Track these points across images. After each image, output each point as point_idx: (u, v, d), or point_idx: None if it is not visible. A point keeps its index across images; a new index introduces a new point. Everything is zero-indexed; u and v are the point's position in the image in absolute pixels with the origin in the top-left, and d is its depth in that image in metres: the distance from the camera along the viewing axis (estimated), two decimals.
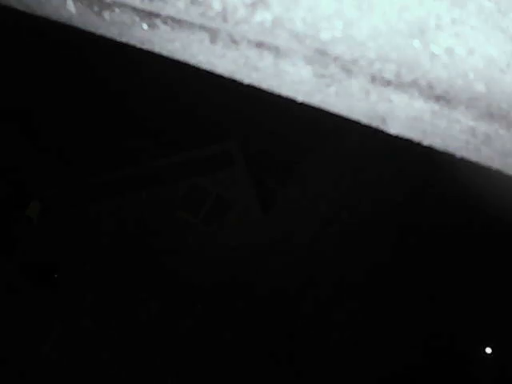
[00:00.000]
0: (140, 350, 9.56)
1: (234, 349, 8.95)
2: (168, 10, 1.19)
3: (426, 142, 1.28)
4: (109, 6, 1.27)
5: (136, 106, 9.70)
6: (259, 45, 1.19)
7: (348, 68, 1.18)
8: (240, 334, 8.94)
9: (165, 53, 1.34)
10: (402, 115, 1.19)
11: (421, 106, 1.19)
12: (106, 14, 1.29)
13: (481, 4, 1.06)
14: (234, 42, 1.22)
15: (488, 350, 10.09)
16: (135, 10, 1.23)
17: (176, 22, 1.21)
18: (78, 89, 10.06)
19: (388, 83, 1.18)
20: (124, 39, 1.35)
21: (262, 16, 1.13)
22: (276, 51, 1.19)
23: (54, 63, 10.05)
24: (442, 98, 1.17)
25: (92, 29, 1.37)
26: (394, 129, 1.24)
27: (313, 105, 1.28)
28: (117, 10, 1.27)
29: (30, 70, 10.04)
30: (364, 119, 1.27)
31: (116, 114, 9.62)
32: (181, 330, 8.91)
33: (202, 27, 1.20)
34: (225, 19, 1.18)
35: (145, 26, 1.24)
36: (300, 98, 1.31)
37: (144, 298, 9.06)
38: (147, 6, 1.21)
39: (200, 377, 9.47)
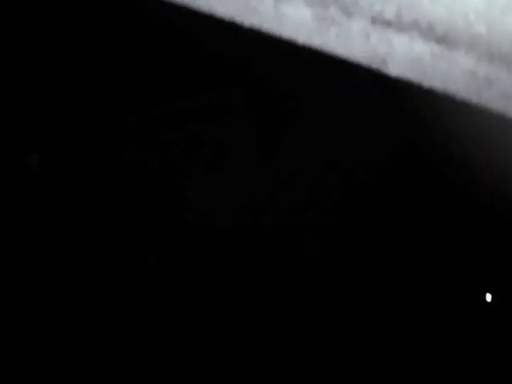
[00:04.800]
0: (138, 300, 9.53)
1: (232, 297, 8.99)
2: None
3: (426, 84, 1.28)
4: None
5: (134, 54, 9.65)
6: None
7: (348, 10, 1.19)
8: (239, 283, 8.98)
9: None
10: (402, 57, 1.20)
11: (421, 47, 1.19)
12: None
13: None
14: None
15: (488, 298, 10.11)
16: None
17: None
18: (73, 33, 9.97)
19: (388, 24, 1.18)
20: None
21: None
22: None
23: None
24: (443, 40, 1.17)
25: None
26: (394, 70, 1.25)
27: (313, 47, 1.28)
28: None
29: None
30: (364, 61, 1.27)
31: (111, 63, 9.56)
32: (177, 276, 8.91)
33: None
34: None
35: None
36: (300, 41, 1.31)
37: (143, 245, 9.08)
38: None
39: (195, 325, 9.50)
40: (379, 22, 1.18)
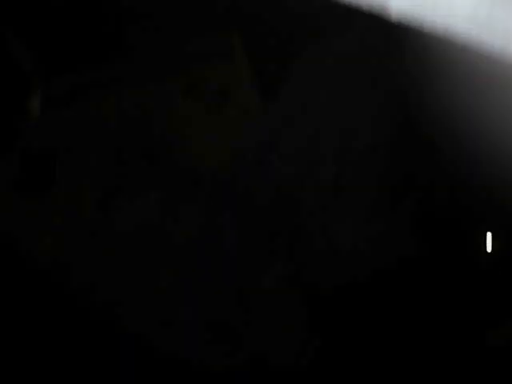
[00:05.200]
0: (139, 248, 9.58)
1: (232, 239, 9.03)
2: None
3: (426, 27, 1.28)
4: None
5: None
6: None
7: None
8: (237, 227, 9.02)
9: None
10: (402, 1, 1.19)
11: None
12: None
13: None
14: None
15: (488, 237, 10.03)
16: None
17: None
18: None
19: None
20: None
21: None
22: None
23: None
24: None
25: None
26: (394, 14, 1.24)
27: None
28: None
29: None
30: (365, 6, 1.27)
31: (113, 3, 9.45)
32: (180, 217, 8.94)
33: None
34: None
35: None
36: None
37: (144, 185, 9.09)
38: None
39: (197, 268, 9.57)
40: None
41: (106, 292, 6.88)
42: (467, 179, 8.16)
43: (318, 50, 8.24)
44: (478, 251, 8.62)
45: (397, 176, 8.12)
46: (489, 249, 8.54)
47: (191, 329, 6.32)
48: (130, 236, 7.50)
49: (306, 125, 8.05)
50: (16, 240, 7.36)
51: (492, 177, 8.12)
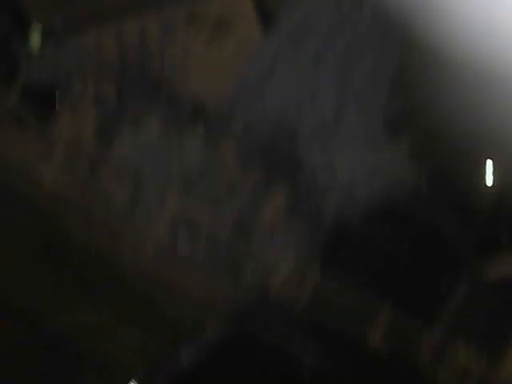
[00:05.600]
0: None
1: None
2: None
3: None
4: None
5: None
6: None
7: None
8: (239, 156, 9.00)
9: None
10: None
11: None
12: None
13: None
14: None
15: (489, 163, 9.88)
16: None
17: None
18: None
19: None
20: None
21: None
22: None
23: None
24: None
25: None
26: None
27: None
28: None
29: None
30: None
31: None
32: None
33: None
34: None
35: None
36: None
37: (144, 116, 9.05)
38: None
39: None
40: None
41: (103, 225, 6.93)
42: (465, 110, 8.08)
43: None
44: (478, 183, 8.63)
45: (397, 107, 8.08)
46: (489, 180, 8.56)
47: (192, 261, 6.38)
48: (130, 162, 7.50)
49: (305, 56, 7.95)
50: (16, 175, 7.37)
51: (489, 107, 8.04)
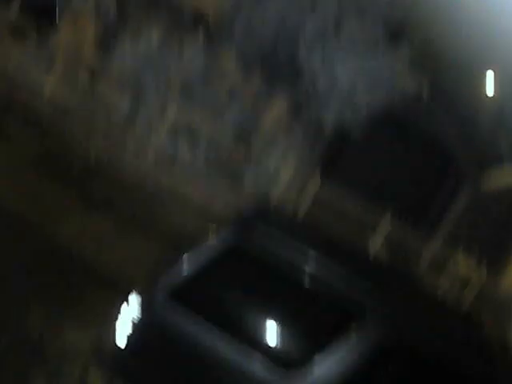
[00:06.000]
0: None
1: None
2: None
3: None
4: None
5: None
6: None
7: None
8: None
9: None
10: None
11: None
12: None
13: None
14: None
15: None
16: None
17: None
18: None
19: None
20: None
21: None
22: None
23: None
24: None
25: None
26: None
27: None
28: None
29: None
30: None
31: None
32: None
33: None
34: None
35: None
36: None
37: (145, 26, 8.83)
38: None
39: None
40: None
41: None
42: (467, 20, 7.87)
43: None
44: (479, 93, 8.45)
45: (398, 17, 7.83)
46: (489, 91, 8.39)
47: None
48: (131, 72, 7.35)
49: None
50: (17, 86, 7.22)
51: (490, 17, 7.81)
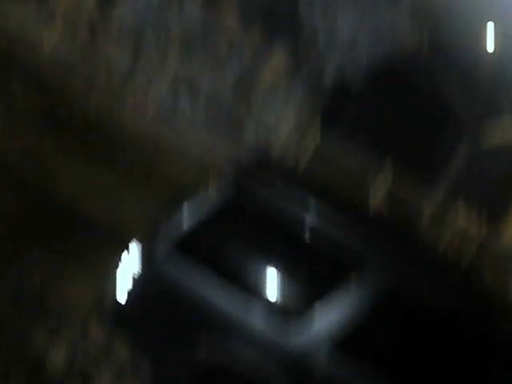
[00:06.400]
0: None
1: None
2: None
3: None
4: None
5: None
6: None
7: None
8: None
9: None
10: None
11: None
12: None
13: None
14: None
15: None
16: None
17: None
18: None
19: None
20: None
21: None
22: None
23: None
24: None
25: None
26: None
27: None
28: None
29: None
30: None
31: None
32: None
33: None
34: None
35: None
36: None
37: None
38: None
39: None
40: None
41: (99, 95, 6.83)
42: None
43: None
44: (479, 46, 8.41)
45: None
46: (490, 44, 8.35)
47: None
48: (131, 26, 7.31)
49: None
50: (17, 44, 7.19)
51: None
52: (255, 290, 2.56)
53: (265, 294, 2.57)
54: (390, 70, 7.50)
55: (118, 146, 6.37)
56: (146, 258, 2.65)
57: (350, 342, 2.51)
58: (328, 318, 2.49)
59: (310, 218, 2.65)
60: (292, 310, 2.53)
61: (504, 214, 8.38)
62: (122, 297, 2.59)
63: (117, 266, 2.63)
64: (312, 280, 2.58)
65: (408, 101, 7.95)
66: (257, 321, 2.51)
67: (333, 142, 7.42)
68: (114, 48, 8.26)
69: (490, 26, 7.91)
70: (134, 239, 3.36)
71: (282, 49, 8.09)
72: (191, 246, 2.69)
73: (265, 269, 2.63)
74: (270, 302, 2.52)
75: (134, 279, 2.61)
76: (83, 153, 5.69)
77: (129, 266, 2.64)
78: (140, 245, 2.69)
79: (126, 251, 2.66)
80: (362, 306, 2.49)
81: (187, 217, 2.70)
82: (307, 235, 2.62)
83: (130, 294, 2.60)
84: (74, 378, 2.64)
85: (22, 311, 1.81)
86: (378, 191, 7.11)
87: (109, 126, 6.87)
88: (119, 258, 2.67)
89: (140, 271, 2.63)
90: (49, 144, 5.46)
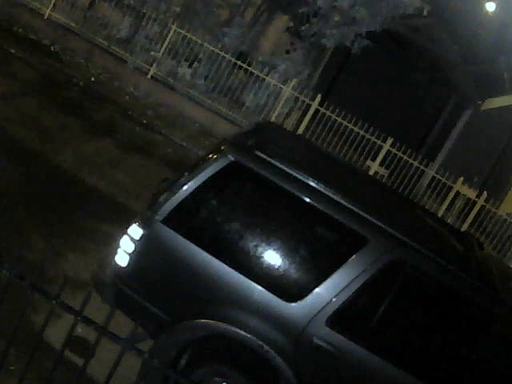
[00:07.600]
0: None
1: None
2: None
3: None
4: None
5: None
6: None
7: None
8: None
9: None
10: None
11: None
12: None
13: None
14: None
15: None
16: None
17: None
18: None
19: None
20: None
21: None
22: None
23: None
24: None
25: None
26: None
27: None
28: None
29: None
30: None
31: None
32: None
33: None
34: None
35: None
36: None
37: None
38: None
39: None
40: None
41: None
42: None
43: None
44: (479, 9, 8.20)
45: None
46: (491, 7, 8.17)
47: None
48: None
49: None
50: (16, 8, 7.05)
51: None
52: (255, 268, 2.53)
53: (265, 271, 2.53)
54: (389, 35, 7.35)
55: (118, 115, 6.32)
56: (146, 229, 2.62)
57: (349, 319, 2.50)
58: (329, 295, 2.47)
59: (310, 183, 2.60)
60: (292, 288, 2.50)
61: (504, 184, 8.29)
62: (121, 269, 2.57)
63: (117, 238, 2.62)
64: (314, 254, 2.56)
65: (407, 66, 7.80)
66: (256, 299, 2.49)
67: (332, 109, 7.39)
68: (114, 13, 8.19)
69: None
70: (135, 210, 3.33)
71: (282, 15, 8.05)
72: (191, 217, 2.67)
73: (265, 245, 2.59)
74: (269, 280, 2.50)
75: (134, 251, 2.59)
76: (83, 122, 5.65)
77: (129, 237, 2.62)
78: (140, 215, 2.66)
79: (126, 223, 2.64)
80: (364, 280, 2.46)
81: (187, 186, 2.66)
82: (308, 200, 2.58)
83: (129, 265, 2.58)
84: (75, 349, 2.65)
85: (22, 288, 1.82)
86: (377, 160, 7.10)
87: (108, 95, 6.84)
88: (120, 230, 2.66)
89: (139, 242, 2.60)
90: (48, 113, 5.42)
